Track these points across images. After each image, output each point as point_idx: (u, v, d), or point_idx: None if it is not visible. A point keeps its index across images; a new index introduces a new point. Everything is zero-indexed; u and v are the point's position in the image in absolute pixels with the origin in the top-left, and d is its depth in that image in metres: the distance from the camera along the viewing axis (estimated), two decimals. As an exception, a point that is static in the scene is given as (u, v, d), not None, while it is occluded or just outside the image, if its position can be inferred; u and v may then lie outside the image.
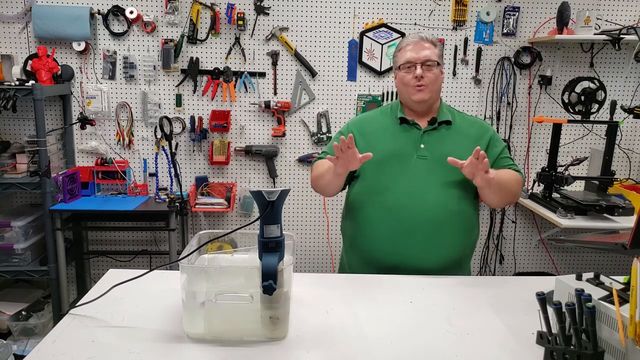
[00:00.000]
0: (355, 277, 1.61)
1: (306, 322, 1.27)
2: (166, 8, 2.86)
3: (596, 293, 1.07)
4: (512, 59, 3.04)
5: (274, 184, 3.10)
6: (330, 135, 3.06)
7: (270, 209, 1.13)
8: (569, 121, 2.80)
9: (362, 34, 2.97)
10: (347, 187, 1.83)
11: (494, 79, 3.07)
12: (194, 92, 2.98)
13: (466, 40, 3.01)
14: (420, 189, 1.65)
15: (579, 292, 1.02)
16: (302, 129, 3.08)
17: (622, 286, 1.10)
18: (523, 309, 1.36)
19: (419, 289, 1.49)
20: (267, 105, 2.97)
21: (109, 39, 2.91)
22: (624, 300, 1.01)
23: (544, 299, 1.08)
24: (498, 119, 3.11)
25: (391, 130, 1.74)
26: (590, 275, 1.16)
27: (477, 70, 3.05)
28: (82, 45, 2.85)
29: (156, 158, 3.03)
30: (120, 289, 1.31)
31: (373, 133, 1.76)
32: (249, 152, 3.03)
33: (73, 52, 2.89)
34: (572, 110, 2.88)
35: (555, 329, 1.07)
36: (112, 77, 2.94)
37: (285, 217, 3.15)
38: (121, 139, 3.00)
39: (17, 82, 2.61)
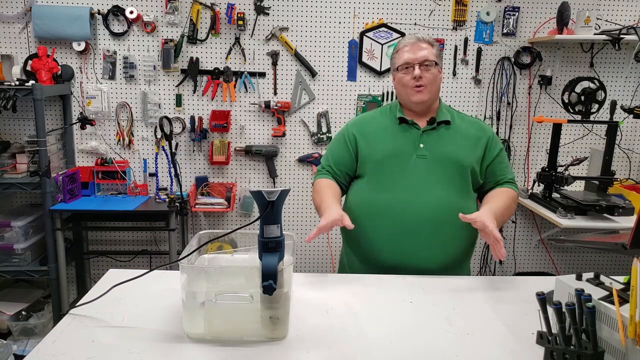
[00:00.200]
0: (355, 277, 1.61)
1: (306, 322, 1.27)
2: (166, 8, 2.86)
3: (596, 293, 1.07)
4: (512, 59, 3.04)
5: (274, 184, 3.10)
6: (330, 135, 3.06)
7: (270, 209, 1.13)
8: (569, 121, 2.80)
9: (362, 34, 2.97)
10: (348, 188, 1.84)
11: (494, 79, 3.07)
12: (194, 92, 2.98)
13: (466, 40, 3.01)
14: (420, 189, 1.65)
15: (579, 292, 1.02)
16: (302, 129, 3.08)
17: (622, 286, 1.10)
18: (523, 309, 1.36)
19: (419, 289, 1.49)
20: (267, 105, 2.97)
21: (109, 39, 2.91)
22: (624, 300, 1.01)
23: (544, 299, 1.08)
24: (498, 119, 3.11)
25: (390, 131, 1.74)
26: (590, 275, 1.16)
27: (477, 70, 3.05)
28: (82, 45, 2.85)
29: (156, 158, 3.03)
30: (120, 289, 1.31)
31: (373, 133, 1.76)
32: (249, 152, 3.03)
33: (73, 52, 2.90)
34: (572, 110, 2.88)
35: (555, 329, 1.07)
36: (112, 77, 2.94)
37: (285, 217, 3.15)
38: (121, 139, 3.00)
39: (17, 82, 2.61)
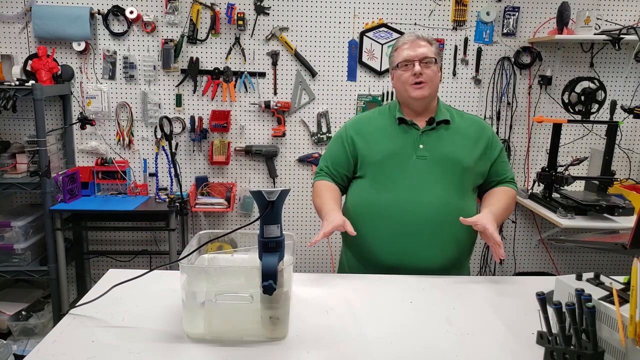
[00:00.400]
0: (355, 277, 1.61)
1: (306, 322, 1.27)
2: (166, 8, 2.86)
3: (596, 293, 1.07)
4: (512, 59, 3.04)
5: (274, 184, 3.10)
6: (330, 135, 3.06)
7: (270, 209, 1.13)
8: (569, 121, 2.79)
9: (362, 34, 2.97)
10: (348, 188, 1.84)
11: (494, 79, 3.07)
12: (194, 92, 2.98)
13: (466, 40, 3.01)
14: (419, 189, 1.65)
15: (579, 292, 1.02)
16: (302, 129, 3.08)
17: (622, 286, 1.10)
18: (523, 309, 1.36)
19: (419, 289, 1.49)
20: (267, 105, 2.97)
21: (109, 39, 2.91)
22: (624, 300, 1.01)
23: (544, 299, 1.08)
24: (498, 119, 3.11)
25: (390, 131, 1.74)
26: (590, 275, 1.16)
27: (477, 70, 3.05)
28: (82, 45, 2.85)
29: (156, 158, 3.03)
30: (120, 289, 1.31)
31: (371, 133, 1.76)
32: (249, 152, 3.03)
33: (73, 52, 2.90)
34: (572, 110, 2.88)
35: (555, 329, 1.07)
36: (112, 77, 2.94)
37: (285, 217, 3.15)
38: (121, 139, 3.00)
39: (17, 82, 2.61)
